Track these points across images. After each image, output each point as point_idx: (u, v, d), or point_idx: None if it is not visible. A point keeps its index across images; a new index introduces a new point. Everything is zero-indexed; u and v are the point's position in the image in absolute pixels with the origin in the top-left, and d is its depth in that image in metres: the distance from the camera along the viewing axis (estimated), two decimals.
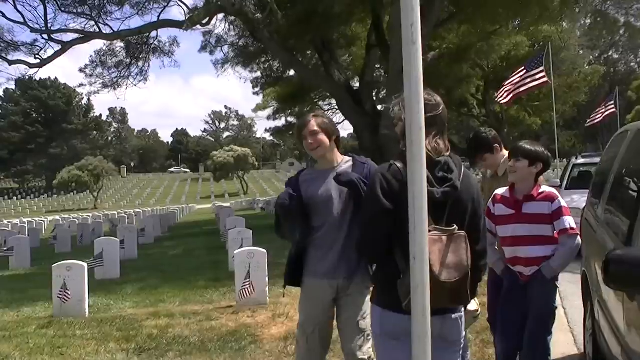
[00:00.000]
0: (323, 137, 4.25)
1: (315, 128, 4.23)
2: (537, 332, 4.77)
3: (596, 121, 33.79)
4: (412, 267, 2.19)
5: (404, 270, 2.92)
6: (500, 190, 4.98)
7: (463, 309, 3.34)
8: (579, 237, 4.80)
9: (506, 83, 21.75)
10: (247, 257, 9.27)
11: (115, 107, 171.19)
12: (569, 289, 8.38)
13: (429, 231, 2.86)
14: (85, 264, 9.63)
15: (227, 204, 57.91)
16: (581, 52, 47.69)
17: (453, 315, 3.21)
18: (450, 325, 3.21)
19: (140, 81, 28.26)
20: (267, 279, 9.37)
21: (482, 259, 3.39)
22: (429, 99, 3.21)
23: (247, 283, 8.99)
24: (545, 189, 4.86)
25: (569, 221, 4.70)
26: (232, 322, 8.24)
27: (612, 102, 35.58)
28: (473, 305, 3.76)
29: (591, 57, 58.23)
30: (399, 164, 3.14)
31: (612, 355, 4.13)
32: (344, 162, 4.33)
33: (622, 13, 28.63)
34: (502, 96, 21.57)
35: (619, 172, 5.21)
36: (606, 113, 33.43)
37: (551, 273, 4.74)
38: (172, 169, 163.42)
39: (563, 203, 4.77)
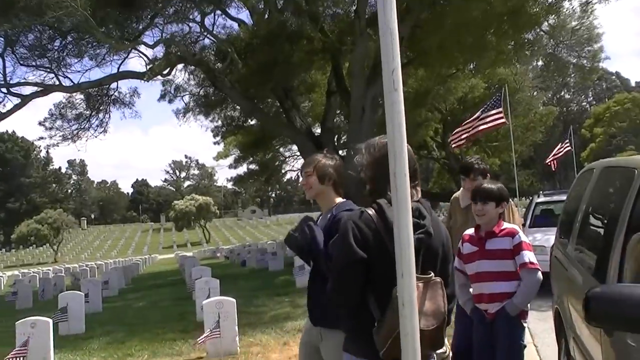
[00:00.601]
0: (313, 180, 4.22)
1: (308, 169, 4.22)
2: None
3: (558, 156, 34.42)
4: (402, 314, 2.19)
5: (379, 318, 2.94)
6: (469, 231, 5.07)
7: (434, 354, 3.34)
8: (539, 272, 4.87)
9: (460, 128, 21.99)
10: (216, 307, 9.18)
11: (75, 159, 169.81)
12: (539, 327, 8.45)
13: None
14: (50, 320, 9.42)
15: (190, 253, 57.37)
16: (535, 93, 48.71)
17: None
18: None
19: (100, 133, 28.08)
20: (236, 328, 9.26)
21: (452, 302, 3.39)
22: None
23: (217, 333, 8.87)
24: (506, 225, 4.98)
25: (529, 256, 4.81)
26: None
27: (568, 141, 36.34)
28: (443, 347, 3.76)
29: (545, 98, 59.47)
30: (370, 212, 3.11)
31: None
32: (335, 208, 4.25)
33: (574, 55, 29.37)
34: (456, 140, 21.79)
35: (588, 210, 5.31)
36: (563, 151, 34.10)
37: (515, 310, 4.83)
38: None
39: (524, 238, 4.92)
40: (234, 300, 9.42)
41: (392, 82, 2.17)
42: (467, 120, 21.58)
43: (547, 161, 34.69)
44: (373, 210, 3.10)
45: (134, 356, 10.01)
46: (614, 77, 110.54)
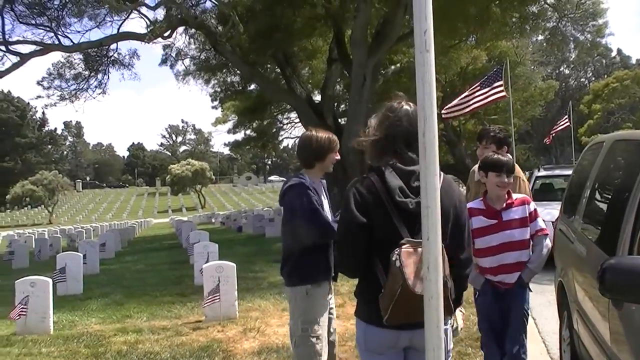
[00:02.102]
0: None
1: None
2: (519, 331, 4.93)
3: (556, 131, 34.48)
4: (427, 278, 2.17)
5: (385, 283, 2.94)
6: (473, 204, 5.00)
7: (449, 322, 3.33)
8: (549, 238, 4.97)
9: (456, 101, 21.68)
10: (216, 271, 9.17)
11: (71, 121, 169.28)
12: (537, 300, 8.45)
13: (403, 244, 2.89)
14: (49, 280, 9.43)
15: (185, 218, 57.44)
16: (534, 68, 48.54)
17: None
18: None
19: (99, 94, 27.89)
20: (236, 292, 9.27)
21: (467, 268, 3.37)
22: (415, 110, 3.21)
23: (217, 297, 8.88)
24: (516, 195, 4.98)
25: (541, 222, 4.95)
26: (202, 337, 8.12)
27: (567, 117, 36.29)
28: (458, 318, 3.74)
29: (544, 72, 59.28)
30: (372, 177, 3.10)
31: None
32: None
33: (578, 30, 29.20)
34: (449, 112, 21.50)
35: (597, 183, 5.28)
36: (561, 127, 34.10)
37: (530, 276, 4.94)
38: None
39: (534, 206, 5.01)
40: (234, 264, 9.42)
41: (424, 42, 2.13)
42: (465, 94, 21.35)
43: (550, 135, 34.66)
44: (376, 175, 3.09)
45: (132, 318, 10.04)
46: (614, 53, 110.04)
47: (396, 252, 2.90)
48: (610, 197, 4.84)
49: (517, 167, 5.49)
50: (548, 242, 4.93)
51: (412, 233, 2.96)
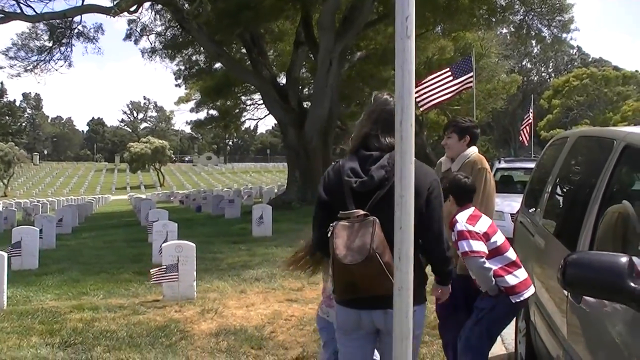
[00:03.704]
0: None
1: None
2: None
3: (524, 127, 34.87)
4: (397, 267, 2.17)
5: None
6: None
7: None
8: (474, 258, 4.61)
9: (425, 88, 21.52)
10: (175, 250, 9.09)
11: (30, 93, 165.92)
12: None
13: (341, 218, 3.09)
14: (4, 254, 9.24)
15: (144, 196, 56.95)
16: (497, 60, 49.04)
17: (390, 311, 3.16)
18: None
19: (62, 66, 27.47)
20: (195, 273, 9.22)
21: (435, 260, 3.46)
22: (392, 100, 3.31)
23: (175, 277, 8.82)
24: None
25: (463, 245, 4.58)
26: (159, 317, 8.06)
27: (531, 112, 36.75)
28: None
29: (508, 66, 59.90)
30: (341, 161, 3.34)
31: (550, 356, 4.22)
32: None
33: (544, 24, 29.47)
34: (424, 102, 21.46)
35: (559, 178, 5.35)
36: (527, 123, 34.55)
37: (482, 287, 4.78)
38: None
39: (461, 227, 4.65)
40: (194, 244, 9.35)
41: (405, 28, 2.11)
42: (434, 82, 21.30)
43: (522, 138, 34.96)
44: (344, 160, 3.37)
45: (89, 295, 9.91)
46: (574, 50, 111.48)
47: (331, 225, 3.10)
48: (572, 192, 4.90)
49: (479, 157, 5.38)
50: (475, 263, 4.56)
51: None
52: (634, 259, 2.65)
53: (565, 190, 5.25)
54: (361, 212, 3.11)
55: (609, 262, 2.75)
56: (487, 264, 4.54)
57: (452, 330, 5.13)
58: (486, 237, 4.61)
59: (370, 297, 3.14)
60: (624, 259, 2.71)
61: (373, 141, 3.34)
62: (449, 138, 5.49)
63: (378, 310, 3.21)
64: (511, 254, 4.68)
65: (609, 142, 4.11)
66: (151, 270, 9.02)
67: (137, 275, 11.59)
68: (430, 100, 20.90)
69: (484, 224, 4.70)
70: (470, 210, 4.80)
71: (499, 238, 4.67)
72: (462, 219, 4.67)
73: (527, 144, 36.94)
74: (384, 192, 3.16)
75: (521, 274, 4.67)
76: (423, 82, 20.72)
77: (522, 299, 4.65)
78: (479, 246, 4.53)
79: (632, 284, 2.62)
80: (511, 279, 4.60)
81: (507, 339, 6.82)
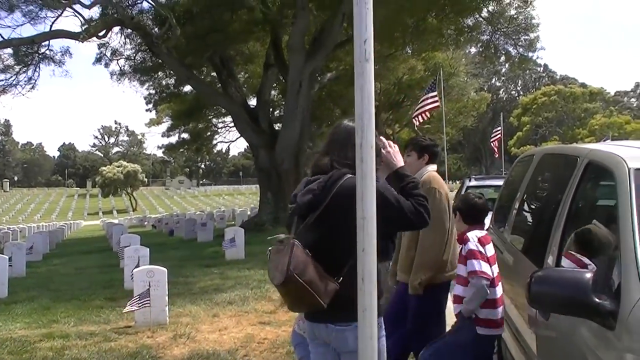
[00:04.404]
0: None
1: None
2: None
3: (494, 141, 35.29)
4: (361, 289, 2.17)
5: None
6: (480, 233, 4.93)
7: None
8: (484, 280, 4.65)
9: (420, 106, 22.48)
10: (147, 276, 9.01)
11: None
12: None
13: (278, 242, 3.25)
14: None
15: (116, 221, 56.45)
16: (467, 80, 49.57)
17: (333, 326, 3.29)
18: (335, 336, 3.31)
19: (28, 90, 27.16)
20: (167, 298, 9.14)
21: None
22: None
23: (147, 302, 8.73)
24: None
25: (474, 264, 4.64)
26: (131, 343, 7.97)
27: (499, 128, 37.11)
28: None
29: (477, 84, 60.59)
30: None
31: None
32: None
33: (510, 44, 29.87)
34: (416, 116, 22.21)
35: (526, 195, 5.40)
36: (496, 137, 34.93)
37: (465, 312, 4.75)
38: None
39: (470, 246, 4.72)
40: (165, 269, 9.28)
41: (363, 52, 2.13)
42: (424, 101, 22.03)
43: (496, 154, 35.35)
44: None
45: (59, 323, 9.76)
46: (541, 69, 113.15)
47: (269, 249, 3.32)
48: (539, 209, 4.95)
49: (430, 176, 5.37)
50: (480, 283, 4.60)
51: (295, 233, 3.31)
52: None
53: (532, 207, 5.31)
54: (282, 236, 3.26)
55: (573, 278, 2.79)
56: (487, 289, 4.59)
57: (397, 347, 5.15)
58: (489, 263, 4.67)
59: (313, 311, 3.30)
60: (587, 275, 2.75)
61: (320, 163, 3.48)
62: (408, 156, 5.53)
63: (320, 323, 3.34)
64: (499, 290, 4.73)
65: (572, 159, 4.17)
66: (126, 305, 8.91)
67: (109, 301, 11.46)
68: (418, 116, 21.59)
69: (490, 249, 4.76)
70: (483, 232, 4.87)
71: (495, 269, 4.72)
72: (474, 237, 4.73)
73: (497, 154, 37.28)
74: (317, 214, 3.28)
75: (499, 313, 4.71)
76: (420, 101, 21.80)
77: (486, 333, 4.70)
78: (487, 268, 4.60)
79: (596, 299, 2.66)
80: (487, 314, 4.67)
81: None
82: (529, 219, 5.24)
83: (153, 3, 26.06)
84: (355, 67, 2.15)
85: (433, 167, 5.48)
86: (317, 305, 3.13)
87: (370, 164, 2.15)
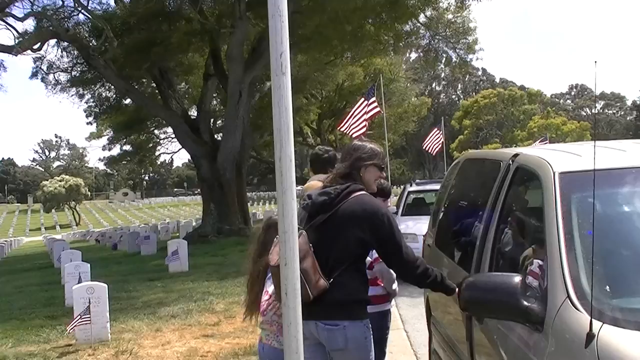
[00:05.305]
0: None
1: None
2: None
3: (433, 143, 35.40)
4: (285, 304, 2.17)
5: None
6: None
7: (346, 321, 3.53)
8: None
9: (350, 117, 22.11)
10: (86, 292, 8.89)
11: None
12: (410, 313, 8.68)
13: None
14: None
15: (59, 236, 55.40)
16: (408, 85, 50.13)
17: (322, 325, 3.49)
18: (325, 335, 3.51)
19: None
20: (108, 314, 9.02)
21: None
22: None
23: (87, 319, 8.61)
24: None
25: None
26: None
27: (438, 130, 37.49)
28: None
29: (418, 89, 61.33)
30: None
31: None
32: None
33: (450, 47, 30.36)
34: (355, 129, 21.90)
35: (451, 200, 5.51)
36: (438, 140, 35.16)
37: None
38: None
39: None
40: (106, 285, 9.15)
41: (280, 65, 2.15)
42: (355, 112, 21.83)
43: (424, 147, 35.46)
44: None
45: None
46: (479, 72, 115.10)
47: (276, 237, 3.36)
48: (463, 213, 5.04)
49: (308, 185, 5.31)
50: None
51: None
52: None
53: (456, 211, 5.40)
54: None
55: (502, 283, 2.86)
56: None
57: None
58: None
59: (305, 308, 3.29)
60: (516, 279, 2.82)
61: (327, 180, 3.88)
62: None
63: (311, 321, 3.41)
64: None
65: (495, 164, 4.27)
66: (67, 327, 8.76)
67: (49, 320, 11.25)
68: (359, 129, 21.33)
69: None
70: None
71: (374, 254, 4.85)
72: None
73: (434, 154, 37.65)
74: (327, 216, 3.55)
75: (380, 290, 4.85)
76: (348, 115, 21.39)
77: (376, 310, 4.70)
78: None
79: (525, 302, 2.73)
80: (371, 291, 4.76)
81: None
82: (453, 223, 5.32)
83: (89, 15, 25.74)
84: (273, 81, 2.17)
85: (315, 177, 5.52)
86: (305, 297, 3.11)
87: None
